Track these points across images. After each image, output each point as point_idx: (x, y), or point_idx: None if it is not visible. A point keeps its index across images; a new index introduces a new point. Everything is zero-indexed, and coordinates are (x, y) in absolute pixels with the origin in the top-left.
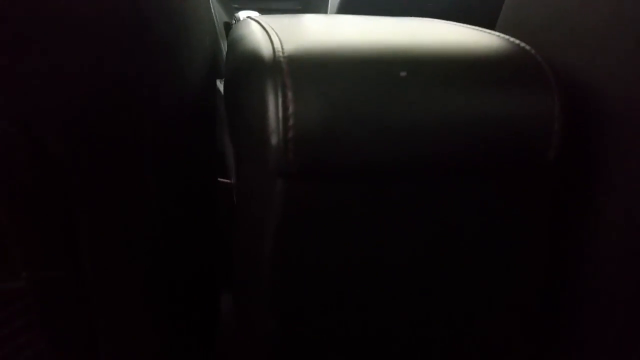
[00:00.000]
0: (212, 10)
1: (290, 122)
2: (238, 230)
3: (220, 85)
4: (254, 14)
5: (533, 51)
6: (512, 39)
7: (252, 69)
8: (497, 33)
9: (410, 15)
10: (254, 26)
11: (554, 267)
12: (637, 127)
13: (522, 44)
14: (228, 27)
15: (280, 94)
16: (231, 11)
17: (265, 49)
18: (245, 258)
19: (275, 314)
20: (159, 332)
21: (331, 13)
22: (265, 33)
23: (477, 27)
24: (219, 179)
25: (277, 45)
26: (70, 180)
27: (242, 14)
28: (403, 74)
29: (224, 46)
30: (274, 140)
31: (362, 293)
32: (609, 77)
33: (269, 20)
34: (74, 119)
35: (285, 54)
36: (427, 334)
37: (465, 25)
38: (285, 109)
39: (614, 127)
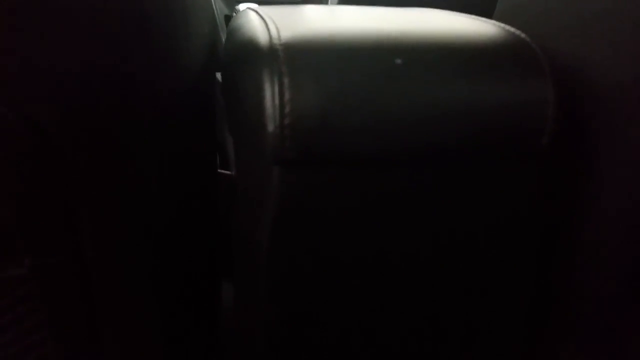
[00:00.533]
0: (213, 3)
1: (287, 109)
2: (237, 220)
3: (220, 77)
4: (254, 5)
5: (529, 39)
6: (508, 28)
7: (248, 56)
8: (493, 22)
9: (409, 6)
10: (252, 15)
11: (547, 254)
12: (631, 115)
13: (518, 32)
14: (229, 19)
15: (276, 81)
16: (232, 4)
17: (262, 36)
18: (243, 247)
19: (273, 302)
20: (161, 319)
21: (332, 4)
22: (263, 21)
23: (473, 16)
24: (219, 170)
25: (273, 33)
26: (71, 168)
27: (242, 6)
28: (398, 61)
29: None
30: (270, 127)
31: (359, 280)
32: (604, 65)
33: (268, 10)
34: (74, 109)
35: (282, 42)
36: (423, 322)
37: (462, 14)
38: (281, 96)
39: (608, 114)
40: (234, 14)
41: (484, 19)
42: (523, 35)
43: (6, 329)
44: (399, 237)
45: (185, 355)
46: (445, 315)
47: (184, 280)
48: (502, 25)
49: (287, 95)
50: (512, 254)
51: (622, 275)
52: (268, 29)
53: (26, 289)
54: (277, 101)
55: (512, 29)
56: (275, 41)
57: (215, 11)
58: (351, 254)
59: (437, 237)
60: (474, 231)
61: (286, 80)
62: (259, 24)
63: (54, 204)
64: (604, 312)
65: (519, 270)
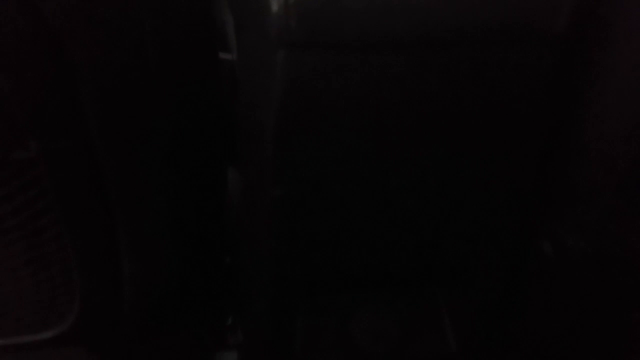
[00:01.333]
0: None
1: None
2: (240, 105)
3: None
4: None
5: None
6: None
7: None
8: None
9: None
10: None
11: (548, 150)
12: None
13: None
14: None
15: None
16: None
17: None
18: (247, 132)
19: (278, 185)
20: (170, 201)
21: None
22: None
23: None
24: (220, 55)
25: None
26: (71, 50)
27: None
28: None
29: None
30: (274, 7)
31: (362, 168)
32: None
33: None
34: None
35: None
36: (423, 219)
37: None
38: None
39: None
40: None
41: None
42: None
43: (18, 212)
44: (405, 125)
45: (193, 236)
46: (447, 215)
47: (192, 166)
48: None
49: None
50: (513, 149)
51: (621, 176)
52: None
53: (35, 173)
54: None
55: None
56: None
57: None
58: (355, 140)
59: (441, 128)
60: (476, 124)
61: None
62: None
63: (56, 84)
64: (599, 205)
65: (519, 164)
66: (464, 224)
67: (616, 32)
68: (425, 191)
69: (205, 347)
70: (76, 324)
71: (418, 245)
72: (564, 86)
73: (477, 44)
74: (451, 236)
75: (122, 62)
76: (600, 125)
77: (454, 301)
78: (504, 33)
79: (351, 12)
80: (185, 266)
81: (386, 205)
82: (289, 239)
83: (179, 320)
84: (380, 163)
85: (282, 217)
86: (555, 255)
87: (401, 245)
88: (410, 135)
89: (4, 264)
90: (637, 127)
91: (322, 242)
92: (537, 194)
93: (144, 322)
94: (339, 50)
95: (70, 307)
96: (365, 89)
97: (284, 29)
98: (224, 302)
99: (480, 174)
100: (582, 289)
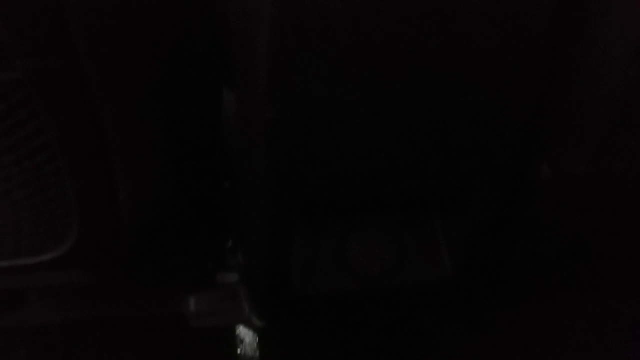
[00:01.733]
0: None
1: None
2: (232, 19)
3: None
4: None
5: None
6: None
7: None
8: None
9: None
10: None
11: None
12: None
13: None
14: None
15: None
16: None
17: None
18: (241, 48)
19: (274, 104)
20: (164, 122)
21: None
22: None
23: None
24: None
25: None
26: None
27: None
28: None
29: None
30: None
31: (365, 75)
32: None
33: None
34: None
35: None
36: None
37: None
38: None
39: None
40: None
41: None
42: None
43: (8, 133)
44: (404, 39)
45: (189, 158)
46: (446, 135)
47: (185, 86)
48: None
49: None
50: (514, 69)
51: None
52: None
53: (24, 93)
54: None
55: None
56: None
57: None
58: (351, 54)
59: (441, 44)
60: (480, 40)
61: None
62: None
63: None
64: (599, 129)
65: (520, 86)
66: (463, 145)
67: None
68: (423, 110)
69: (205, 269)
70: (74, 247)
71: (416, 166)
72: (565, 9)
73: None
74: (449, 157)
75: None
76: (602, 49)
77: (450, 223)
78: None
79: None
80: (181, 188)
81: (383, 124)
82: (284, 161)
83: (178, 243)
84: (377, 80)
85: (276, 139)
86: (554, 178)
87: (398, 166)
88: (409, 51)
89: None
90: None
91: (318, 163)
92: (537, 117)
93: (141, 244)
94: None
95: (67, 230)
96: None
97: None
98: (223, 225)
99: (481, 94)
100: (580, 211)
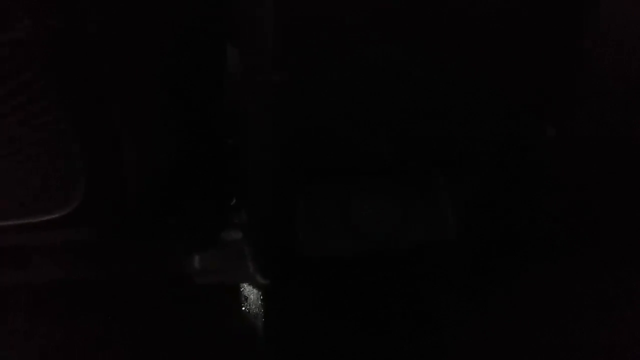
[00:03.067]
0: None
1: None
2: None
3: None
4: None
5: None
6: None
7: None
8: None
9: None
10: None
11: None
12: None
13: None
14: None
15: None
16: None
17: None
18: (249, 8)
19: (281, 67)
20: (166, 84)
21: None
22: None
23: None
24: None
25: None
26: None
27: None
28: None
29: None
30: None
31: (364, 50)
32: None
33: None
34: None
35: None
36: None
37: None
38: None
39: None
40: None
41: None
42: None
43: (14, 93)
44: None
45: (193, 117)
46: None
47: (188, 42)
48: None
49: None
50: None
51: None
52: None
53: (29, 54)
54: None
55: None
56: None
57: None
58: (357, 17)
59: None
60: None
61: None
62: None
63: None
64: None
65: (526, 48)
66: (468, 107)
67: None
68: (426, 74)
69: (210, 227)
70: (81, 205)
71: (419, 130)
72: None
73: None
74: (453, 120)
75: None
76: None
77: (455, 186)
78: None
79: None
80: (185, 146)
81: (387, 88)
82: (290, 124)
83: (183, 201)
84: (382, 44)
85: (283, 102)
86: (559, 139)
87: (402, 129)
88: (413, 15)
89: (4, 149)
90: None
91: (323, 126)
92: (542, 77)
93: (147, 202)
94: None
95: (74, 188)
96: None
97: None
98: (228, 182)
99: (485, 54)
100: (584, 174)
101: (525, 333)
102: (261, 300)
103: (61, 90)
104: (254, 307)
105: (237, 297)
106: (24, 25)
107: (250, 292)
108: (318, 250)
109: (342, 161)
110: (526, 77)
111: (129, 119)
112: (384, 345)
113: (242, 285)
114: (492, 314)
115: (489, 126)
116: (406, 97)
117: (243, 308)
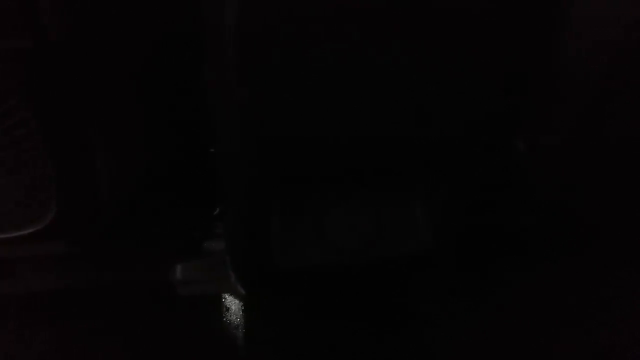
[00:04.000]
0: None
1: None
2: (206, 5)
3: None
4: None
5: None
6: None
7: None
8: None
9: None
10: None
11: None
12: None
13: None
14: None
15: None
16: None
17: None
18: (212, 31)
19: (244, 82)
20: (142, 97)
21: None
22: None
23: None
24: None
25: None
26: None
27: None
28: None
29: None
30: None
31: (332, 64)
32: None
33: None
34: None
35: None
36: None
37: None
38: None
39: None
40: None
41: None
42: None
43: None
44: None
45: (171, 127)
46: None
47: (164, 57)
48: None
49: None
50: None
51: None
52: None
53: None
54: None
55: None
56: None
57: None
58: (324, 31)
59: (419, 18)
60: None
61: None
62: None
63: None
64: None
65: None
66: (440, 121)
67: None
68: (400, 85)
69: (193, 237)
70: (55, 220)
71: (392, 141)
72: None
73: None
74: (427, 132)
75: None
76: (578, 27)
77: (428, 198)
78: None
79: None
80: (162, 158)
81: (358, 99)
82: (258, 137)
83: (163, 212)
84: (348, 57)
85: (249, 116)
86: (529, 152)
87: (375, 140)
88: (380, 30)
89: None
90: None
91: (292, 139)
92: (513, 93)
93: (123, 215)
94: None
95: (48, 203)
96: None
97: None
98: (210, 192)
99: (457, 69)
100: (555, 185)
101: (524, 333)
102: (242, 311)
103: (33, 105)
104: (235, 317)
105: (219, 308)
106: None
107: (232, 303)
108: (292, 262)
109: (316, 171)
110: (495, 92)
111: (102, 132)
112: (363, 355)
113: (224, 295)
114: (486, 318)
115: (464, 133)
116: (373, 110)
117: (224, 319)
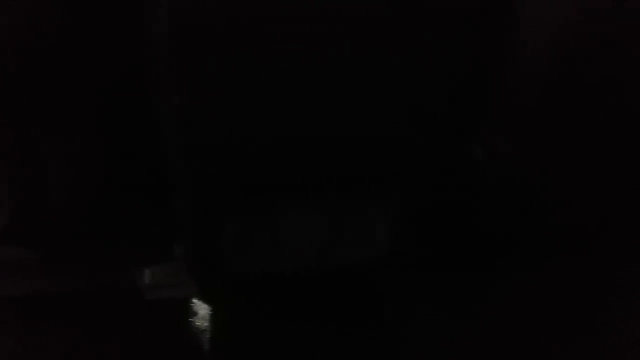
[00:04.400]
0: None
1: None
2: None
3: None
4: None
5: None
6: None
7: None
8: None
9: None
10: None
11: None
12: None
13: None
14: None
15: None
16: None
17: None
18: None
19: (181, 91)
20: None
21: None
22: None
23: None
24: None
25: None
26: None
27: None
28: None
29: None
30: None
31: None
32: None
33: None
34: None
35: None
36: None
37: None
38: None
39: None
40: None
41: None
42: None
43: None
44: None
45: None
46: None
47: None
48: None
49: None
50: (443, 53)
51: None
52: None
53: None
54: None
55: None
56: None
57: None
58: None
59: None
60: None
61: None
62: None
63: None
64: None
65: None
66: (392, 124)
67: None
68: (346, 87)
69: (161, 242)
70: (9, 225)
71: (343, 145)
72: None
73: None
74: (382, 139)
75: None
76: (526, 32)
77: (385, 204)
78: None
79: None
80: (118, 168)
81: (304, 102)
82: (198, 145)
83: (132, 215)
84: (290, 62)
85: (186, 123)
86: (487, 159)
87: (326, 143)
88: (318, 43)
89: None
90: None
91: (233, 146)
92: (468, 99)
93: (80, 224)
94: None
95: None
96: None
97: None
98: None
99: (411, 76)
100: (513, 191)
101: (524, 333)
102: (210, 315)
103: None
104: (203, 322)
105: (187, 312)
106: None
107: (200, 307)
108: (246, 268)
109: (267, 177)
110: (449, 97)
111: (52, 140)
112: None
113: (192, 300)
114: (482, 318)
115: (417, 137)
116: (325, 108)
117: (193, 323)
